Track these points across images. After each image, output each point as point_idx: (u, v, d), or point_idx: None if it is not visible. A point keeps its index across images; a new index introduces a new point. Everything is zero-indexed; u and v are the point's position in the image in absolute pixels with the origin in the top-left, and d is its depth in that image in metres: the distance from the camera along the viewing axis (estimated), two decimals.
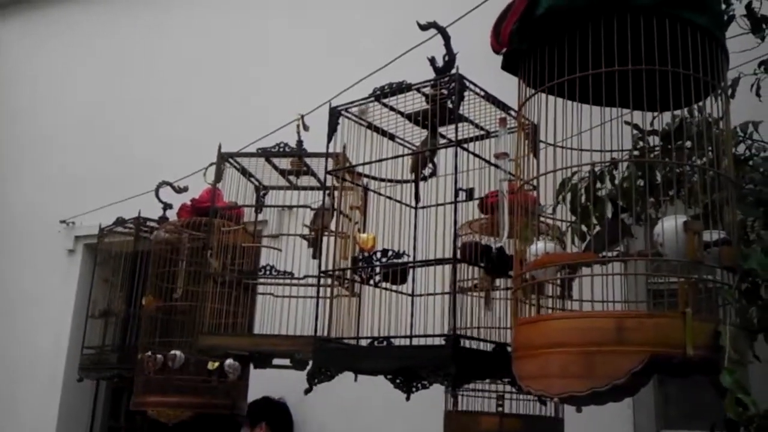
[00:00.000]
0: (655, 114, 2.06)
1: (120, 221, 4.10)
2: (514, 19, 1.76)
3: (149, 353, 3.36)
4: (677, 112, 1.95)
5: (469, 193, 2.43)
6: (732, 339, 1.52)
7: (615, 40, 1.67)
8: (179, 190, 4.07)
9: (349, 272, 2.45)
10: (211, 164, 3.55)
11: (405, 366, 2.12)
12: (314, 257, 2.99)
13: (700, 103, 1.86)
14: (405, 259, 2.29)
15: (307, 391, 2.27)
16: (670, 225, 1.61)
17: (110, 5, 6.13)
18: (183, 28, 5.72)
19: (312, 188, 3.16)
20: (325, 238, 2.72)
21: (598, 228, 2.01)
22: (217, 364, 3.45)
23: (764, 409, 1.58)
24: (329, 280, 2.53)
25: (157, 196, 4.04)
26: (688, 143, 1.87)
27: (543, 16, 1.72)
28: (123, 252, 4.16)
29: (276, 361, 3.06)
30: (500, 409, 2.58)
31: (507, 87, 2.16)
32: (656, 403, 3.65)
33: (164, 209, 4.05)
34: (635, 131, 1.97)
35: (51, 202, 5.80)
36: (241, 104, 5.09)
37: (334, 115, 2.44)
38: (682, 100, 1.80)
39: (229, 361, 3.37)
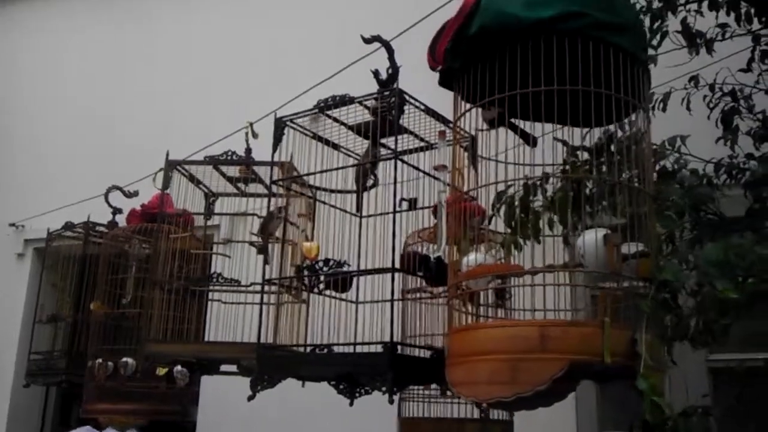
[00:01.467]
0: (586, 130, 2.14)
1: (69, 226, 4.07)
2: (448, 39, 1.83)
3: (99, 360, 3.35)
4: (605, 129, 2.04)
5: (412, 203, 2.50)
6: (648, 346, 1.61)
7: (542, 60, 1.75)
8: (129, 195, 4.07)
9: (294, 280, 2.49)
10: (160, 170, 3.57)
11: (345, 372, 2.17)
12: (266, 263, 3.04)
13: (626, 120, 1.96)
14: (347, 267, 2.33)
15: (250, 398, 2.31)
16: (591, 238, 1.70)
17: (64, 16, 6.08)
18: (135, 35, 5.69)
19: (260, 195, 3.20)
20: (275, 246, 2.77)
21: None
22: (165, 370, 3.45)
23: (678, 412, 1.68)
24: (276, 288, 2.57)
25: (106, 200, 4.03)
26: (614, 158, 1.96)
27: (474, 36, 1.79)
28: (72, 256, 4.13)
29: (224, 368, 3.09)
30: (483, 415, 2.66)
31: (451, 98, 2.22)
32: (598, 405, 3.76)
33: (114, 214, 4.04)
34: (565, 147, 2.06)
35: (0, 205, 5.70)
36: (193, 111, 5.09)
37: (279, 125, 2.48)
38: (613, 116, 1.90)
39: (178, 368, 3.38)
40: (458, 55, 1.85)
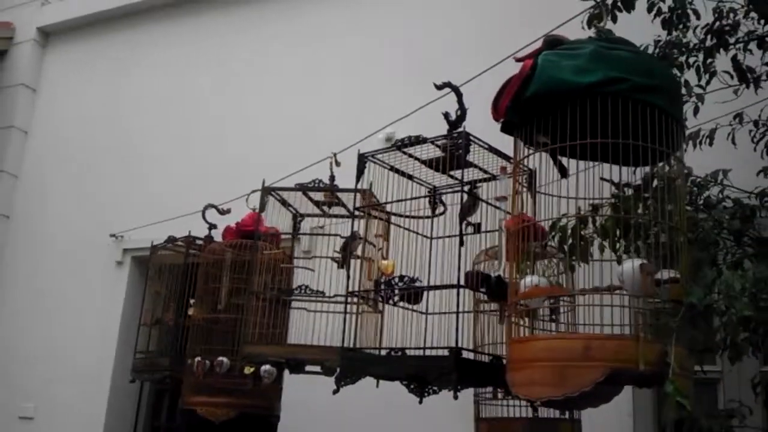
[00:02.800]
0: (633, 169, 2.46)
1: (171, 239, 4.55)
2: (508, 98, 2.19)
3: (199, 358, 3.80)
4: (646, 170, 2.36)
5: (477, 228, 2.87)
6: (678, 357, 1.93)
7: (587, 115, 2.09)
8: (223, 212, 4.52)
9: (372, 293, 2.88)
10: (253, 191, 4.03)
11: (416, 372, 2.54)
12: (345, 272, 3.43)
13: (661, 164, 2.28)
14: (418, 283, 2.71)
15: (335, 392, 2.70)
16: (629, 266, 2.03)
17: (173, 32, 6.62)
18: (236, 66, 6.13)
19: (341, 216, 3.61)
20: (353, 262, 3.16)
21: None
22: (252, 369, 3.86)
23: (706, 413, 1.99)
24: (355, 299, 2.96)
25: (203, 216, 4.49)
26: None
27: (530, 98, 2.15)
28: (174, 266, 4.60)
29: (308, 368, 3.50)
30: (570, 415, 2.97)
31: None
32: (654, 411, 4.01)
33: (209, 229, 4.49)
34: (612, 185, 2.38)
35: (101, 217, 6.27)
36: (279, 140, 5.54)
37: (362, 160, 2.88)
38: (657, 157, 2.24)
39: (265, 367, 3.78)
40: (517, 112, 2.21)
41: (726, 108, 3.31)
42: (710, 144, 3.20)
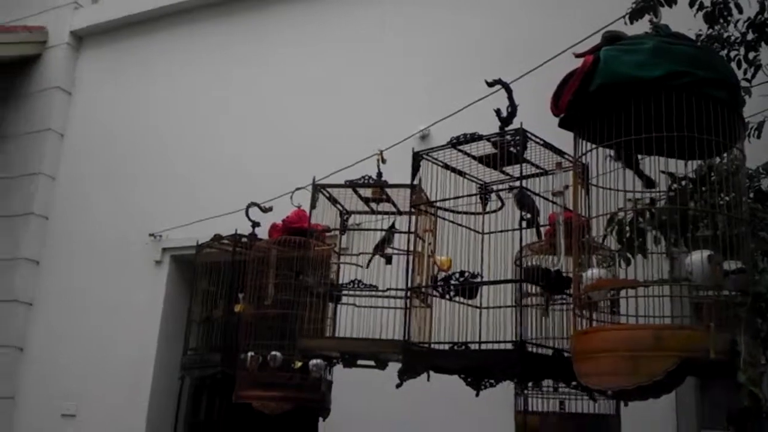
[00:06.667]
0: (689, 162, 2.49)
1: (217, 237, 4.63)
2: (571, 92, 2.23)
3: (252, 353, 3.88)
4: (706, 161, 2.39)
5: (529, 222, 2.91)
6: (747, 346, 1.97)
7: (652, 109, 2.13)
8: (265, 210, 4.59)
9: (431, 288, 2.93)
10: (297, 189, 4.10)
11: (480, 365, 2.60)
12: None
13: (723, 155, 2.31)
14: (478, 279, 2.76)
15: (398, 386, 2.76)
16: (698, 258, 2.07)
17: (207, 33, 6.68)
18: (278, 62, 6.18)
19: (388, 213, 3.66)
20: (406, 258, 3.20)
21: None
22: (300, 363, 3.92)
23: None
24: (411, 294, 3.01)
25: (246, 215, 4.56)
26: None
27: (594, 92, 2.19)
28: (219, 264, 4.67)
29: (360, 362, 3.56)
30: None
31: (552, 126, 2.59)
32: (697, 406, 4.05)
33: (253, 227, 4.56)
34: (670, 177, 2.42)
35: (139, 217, 6.37)
36: (318, 136, 5.60)
37: (417, 158, 2.93)
38: (714, 151, 2.28)
39: (314, 361, 3.84)
40: (580, 107, 2.25)
41: None
42: (758, 137, 3.22)
